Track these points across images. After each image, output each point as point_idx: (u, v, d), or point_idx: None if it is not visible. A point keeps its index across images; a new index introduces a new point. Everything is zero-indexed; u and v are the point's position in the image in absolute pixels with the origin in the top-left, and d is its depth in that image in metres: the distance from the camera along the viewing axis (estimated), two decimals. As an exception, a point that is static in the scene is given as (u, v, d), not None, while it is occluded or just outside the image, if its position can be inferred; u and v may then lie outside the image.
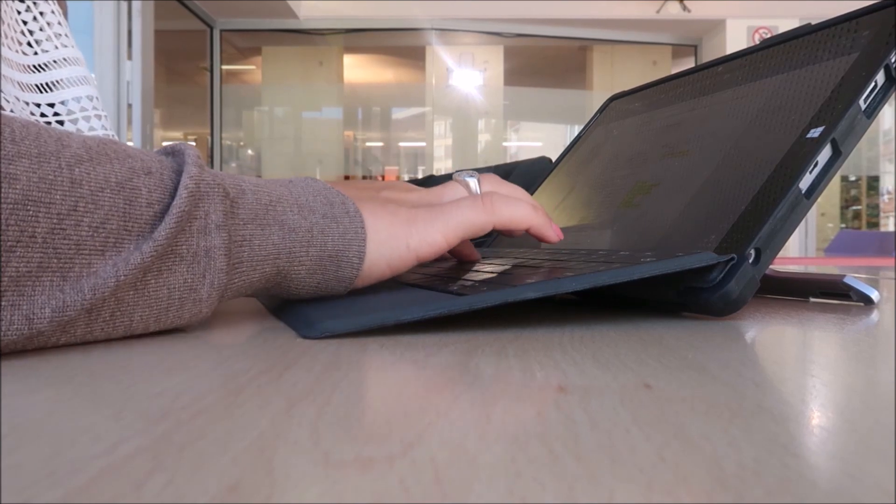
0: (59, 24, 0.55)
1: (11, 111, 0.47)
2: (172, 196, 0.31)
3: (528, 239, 0.56)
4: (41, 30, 0.53)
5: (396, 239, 0.38)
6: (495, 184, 0.45)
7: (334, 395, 0.21)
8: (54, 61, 0.53)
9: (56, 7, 0.55)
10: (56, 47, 0.53)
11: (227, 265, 0.32)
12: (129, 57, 3.11)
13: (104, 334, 0.30)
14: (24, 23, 0.52)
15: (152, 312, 0.31)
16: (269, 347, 0.29)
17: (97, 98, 0.55)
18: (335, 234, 0.36)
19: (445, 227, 0.39)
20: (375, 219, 0.37)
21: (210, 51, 5.00)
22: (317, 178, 0.39)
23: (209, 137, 5.13)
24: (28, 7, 0.53)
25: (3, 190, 0.26)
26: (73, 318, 0.28)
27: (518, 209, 0.41)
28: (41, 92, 0.52)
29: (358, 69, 6.10)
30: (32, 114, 0.50)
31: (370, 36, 5.39)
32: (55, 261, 0.27)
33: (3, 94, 0.46)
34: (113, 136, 0.56)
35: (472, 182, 0.44)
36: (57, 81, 0.53)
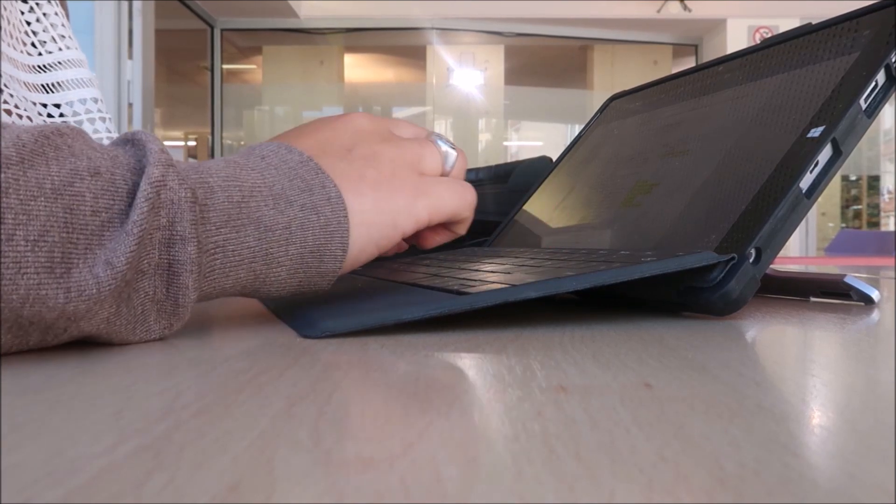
0: (63, 25, 0.55)
1: (25, 110, 0.47)
2: (124, 200, 0.27)
3: (528, 239, 0.56)
4: (45, 31, 0.53)
5: (383, 216, 0.35)
6: (462, 163, 0.44)
7: (334, 395, 0.21)
8: (59, 62, 0.53)
9: (59, 9, 0.55)
10: (60, 49, 0.53)
11: (196, 279, 0.30)
12: (130, 56, 3.11)
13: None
14: (28, 23, 0.52)
15: (115, 329, 0.29)
16: (269, 347, 0.29)
17: (101, 100, 0.55)
18: (316, 227, 0.33)
19: (432, 208, 0.38)
20: (361, 199, 0.35)
21: (211, 50, 5.00)
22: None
23: (210, 137, 5.13)
24: (31, 8, 0.53)
25: None
26: (35, 342, 0.27)
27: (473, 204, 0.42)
28: (46, 92, 0.52)
29: (358, 68, 6.10)
30: (40, 114, 0.50)
31: (371, 35, 5.39)
32: None
33: (12, 95, 0.46)
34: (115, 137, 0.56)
35: (451, 156, 0.42)
36: (61, 83, 0.53)
